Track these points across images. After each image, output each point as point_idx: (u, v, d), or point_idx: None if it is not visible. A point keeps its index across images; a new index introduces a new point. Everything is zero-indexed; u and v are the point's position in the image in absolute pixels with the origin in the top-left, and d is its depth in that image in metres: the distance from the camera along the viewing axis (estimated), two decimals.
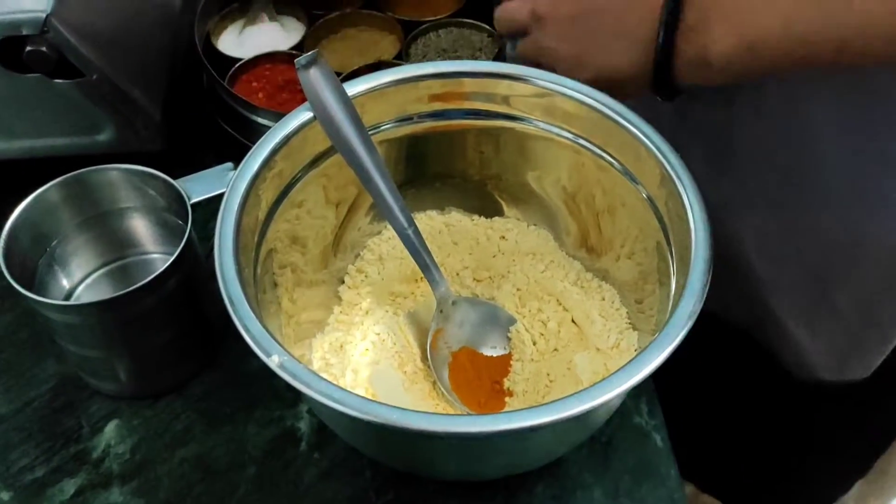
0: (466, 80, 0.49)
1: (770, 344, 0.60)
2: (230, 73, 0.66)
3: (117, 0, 0.62)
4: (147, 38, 0.64)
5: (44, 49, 0.54)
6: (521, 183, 0.54)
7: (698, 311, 0.38)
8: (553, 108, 0.49)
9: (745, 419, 0.67)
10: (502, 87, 0.49)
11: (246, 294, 0.40)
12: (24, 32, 0.53)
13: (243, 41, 0.71)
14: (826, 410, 0.63)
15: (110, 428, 0.51)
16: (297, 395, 0.52)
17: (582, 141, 0.49)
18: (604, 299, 0.52)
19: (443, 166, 0.54)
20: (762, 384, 0.64)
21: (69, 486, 0.48)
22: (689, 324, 0.38)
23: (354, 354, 0.50)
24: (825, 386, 0.59)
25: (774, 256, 0.55)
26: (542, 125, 0.50)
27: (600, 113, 0.47)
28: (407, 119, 0.51)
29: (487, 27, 0.70)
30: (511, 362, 0.49)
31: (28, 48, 0.54)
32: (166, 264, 0.46)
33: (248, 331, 0.38)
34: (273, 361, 0.37)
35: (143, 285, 0.45)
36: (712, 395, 0.68)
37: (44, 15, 0.53)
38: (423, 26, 0.70)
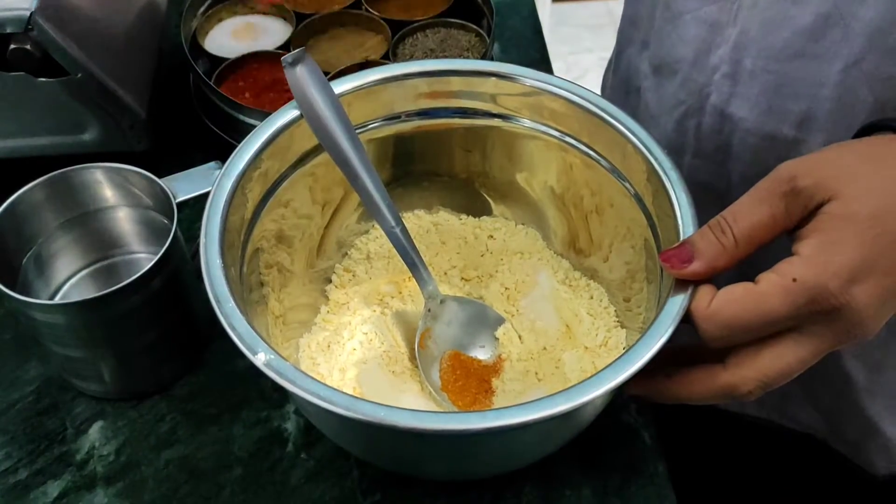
0: (453, 79, 0.49)
1: (850, 447, 0.57)
2: (217, 72, 0.66)
3: None
4: (133, 36, 0.64)
5: (28, 47, 0.53)
6: (508, 181, 0.54)
7: (686, 308, 0.38)
8: (540, 107, 0.49)
9: (774, 477, 0.64)
10: (489, 85, 0.49)
11: (232, 292, 0.39)
12: (8, 30, 0.53)
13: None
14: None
15: (95, 429, 0.51)
16: (283, 396, 0.52)
17: (569, 139, 0.49)
18: (592, 298, 0.52)
19: (430, 165, 0.54)
20: (829, 486, 0.61)
21: (53, 489, 0.48)
22: (677, 321, 0.38)
23: (342, 354, 0.49)
24: None
25: (879, 363, 0.53)
26: (529, 123, 0.50)
27: (587, 111, 0.47)
28: (394, 118, 0.50)
29: (475, 27, 0.70)
30: (499, 361, 0.49)
31: (12, 46, 0.53)
32: (151, 263, 0.46)
33: (233, 329, 0.38)
34: (259, 359, 0.37)
35: (128, 284, 0.45)
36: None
37: (28, 13, 0.53)
38: (411, 26, 0.70)
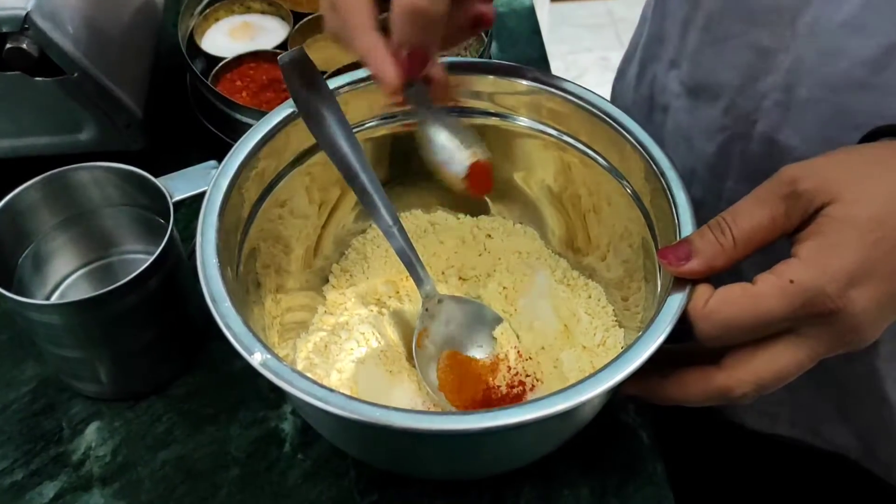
0: (451, 78, 0.49)
1: (883, 467, 0.56)
2: (213, 71, 0.66)
3: None
4: (129, 35, 0.64)
5: (24, 46, 0.53)
6: (506, 180, 0.53)
7: (684, 308, 0.38)
8: (538, 106, 0.49)
9: (771, 477, 0.63)
10: (487, 83, 0.49)
11: (228, 292, 0.39)
12: (4, 30, 0.53)
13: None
14: None
15: (91, 430, 0.50)
16: (280, 396, 0.51)
17: (567, 138, 0.49)
18: (590, 297, 0.52)
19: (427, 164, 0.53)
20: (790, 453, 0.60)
21: (49, 489, 0.48)
22: (675, 320, 0.38)
23: (339, 354, 0.49)
24: None
25: None
26: (527, 122, 0.50)
27: (585, 110, 0.47)
28: (391, 117, 0.50)
29: None
30: (497, 361, 0.49)
31: (8, 45, 0.53)
32: (147, 263, 0.45)
33: (230, 329, 0.37)
34: (255, 359, 0.36)
35: (124, 284, 0.45)
36: None
37: (24, 12, 0.52)
38: None
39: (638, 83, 0.61)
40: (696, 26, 0.51)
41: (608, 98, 0.48)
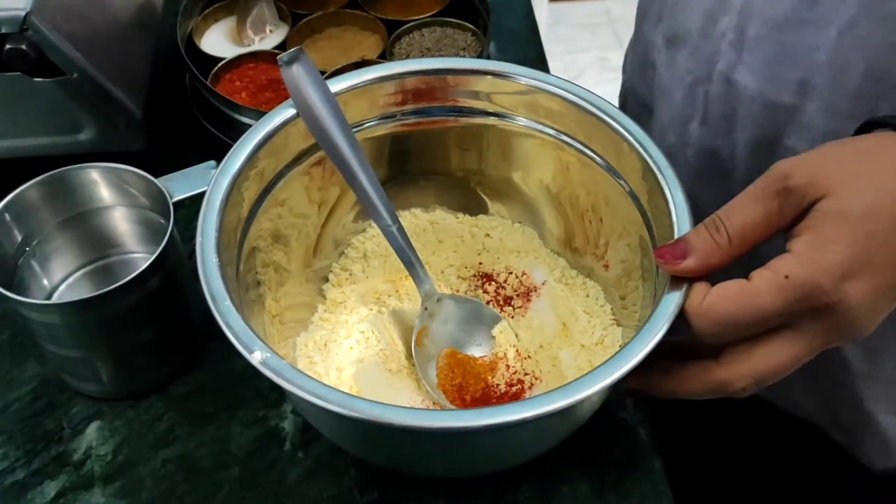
0: (449, 78, 0.49)
1: (848, 433, 0.57)
2: (213, 72, 0.66)
3: None
4: (129, 36, 0.64)
5: (24, 47, 0.53)
6: (504, 180, 0.54)
7: (681, 306, 0.38)
8: (536, 105, 0.49)
9: (770, 472, 0.64)
10: (485, 83, 0.49)
11: (228, 291, 0.39)
12: (4, 30, 0.53)
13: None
14: None
15: (92, 429, 0.51)
16: (281, 395, 0.52)
17: (565, 137, 0.49)
18: (588, 296, 0.52)
19: (427, 163, 0.54)
20: (824, 477, 0.61)
21: (50, 489, 0.48)
22: (672, 319, 0.38)
23: (339, 353, 0.49)
24: None
25: (876, 349, 0.52)
26: (525, 122, 0.50)
27: (583, 109, 0.47)
28: (390, 117, 0.51)
29: (471, 27, 0.70)
30: (496, 359, 0.49)
31: (7, 46, 0.53)
32: (147, 263, 0.46)
33: (229, 327, 0.38)
34: (255, 358, 0.37)
35: (124, 284, 0.45)
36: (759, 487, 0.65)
37: (23, 13, 0.53)
38: (407, 25, 0.70)
39: (634, 44, 0.63)
40: None
41: (607, 93, 0.49)
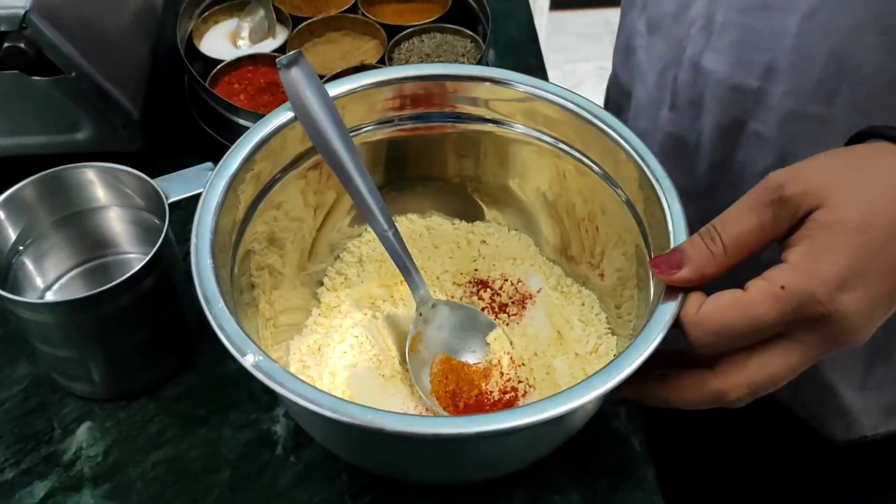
0: (448, 83, 0.49)
1: (808, 409, 0.58)
2: (212, 74, 0.66)
3: None
4: (128, 36, 0.64)
5: (22, 45, 0.53)
6: (501, 187, 0.54)
7: (676, 316, 0.38)
8: (534, 113, 0.49)
9: (765, 484, 0.64)
10: (483, 90, 0.49)
11: (222, 293, 0.39)
12: (2, 28, 0.53)
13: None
14: (868, 469, 0.60)
15: (82, 430, 0.50)
16: (273, 399, 0.51)
17: (562, 145, 0.49)
18: (583, 304, 0.52)
19: (424, 169, 0.54)
20: (790, 449, 0.61)
21: (39, 489, 0.48)
22: (666, 329, 0.38)
23: (332, 357, 0.49)
24: (867, 443, 0.57)
25: None
26: (522, 129, 0.50)
27: (581, 117, 0.47)
28: (388, 121, 0.50)
29: (470, 33, 0.70)
30: (490, 366, 0.49)
31: (6, 44, 0.53)
32: (142, 264, 0.45)
33: (222, 329, 0.37)
34: (247, 361, 0.36)
35: (117, 284, 0.45)
36: (725, 465, 0.65)
37: (23, 11, 0.53)
38: (407, 31, 0.70)
39: (620, 31, 0.64)
40: None
41: (603, 102, 0.49)
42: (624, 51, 0.63)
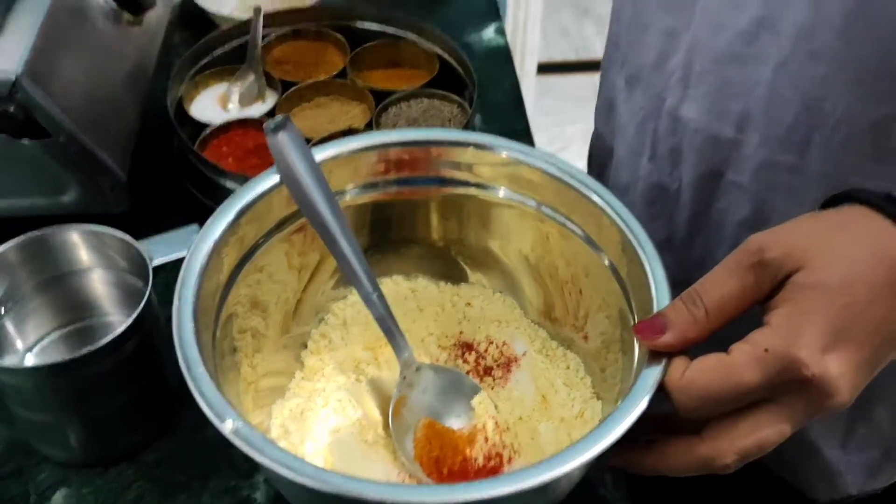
0: (432, 149, 0.50)
1: (793, 470, 0.57)
2: (201, 137, 0.67)
3: (88, 61, 0.62)
4: (117, 99, 0.65)
5: (11, 110, 0.53)
6: (483, 248, 0.54)
7: (660, 380, 0.38)
8: (517, 177, 0.50)
9: None
10: (467, 155, 0.50)
11: (203, 358, 0.39)
12: None
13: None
14: None
15: (58, 497, 0.49)
16: (253, 465, 0.50)
17: (545, 209, 0.50)
18: (568, 367, 0.52)
19: (408, 231, 0.54)
20: None
21: None
22: (651, 393, 0.38)
23: (315, 422, 0.48)
24: (852, 503, 0.57)
25: None
26: (504, 193, 0.51)
27: (563, 182, 0.48)
28: (373, 185, 0.51)
29: (457, 98, 0.71)
30: (475, 431, 0.49)
31: None
32: (123, 327, 0.45)
33: (202, 394, 0.37)
34: (226, 427, 0.36)
35: (99, 349, 0.44)
36: None
37: (13, 76, 0.53)
38: (395, 96, 0.71)
39: (601, 90, 0.66)
40: (625, 17, 0.57)
41: (587, 160, 0.50)
42: (605, 108, 0.64)
